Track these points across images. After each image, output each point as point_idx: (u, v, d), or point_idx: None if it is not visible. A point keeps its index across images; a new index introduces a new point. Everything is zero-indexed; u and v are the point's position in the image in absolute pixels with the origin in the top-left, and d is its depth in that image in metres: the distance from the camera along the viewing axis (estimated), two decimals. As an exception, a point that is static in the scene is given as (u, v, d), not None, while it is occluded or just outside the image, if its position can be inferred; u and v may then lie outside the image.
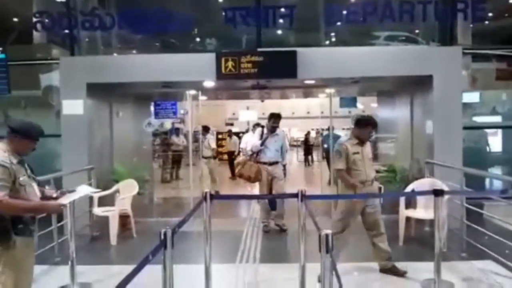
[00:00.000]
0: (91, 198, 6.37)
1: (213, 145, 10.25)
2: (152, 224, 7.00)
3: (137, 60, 7.04)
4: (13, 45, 8.66)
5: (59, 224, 5.27)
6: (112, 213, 6.12)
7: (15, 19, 10.11)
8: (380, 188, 4.96)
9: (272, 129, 6.55)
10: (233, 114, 21.81)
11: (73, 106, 6.61)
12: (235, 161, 7.15)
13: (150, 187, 8.58)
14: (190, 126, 8.62)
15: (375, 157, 10.70)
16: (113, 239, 6.01)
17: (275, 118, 6.58)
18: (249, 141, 8.24)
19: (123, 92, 7.80)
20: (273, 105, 18.89)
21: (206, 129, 10.16)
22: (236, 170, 6.68)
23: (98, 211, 6.29)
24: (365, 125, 4.53)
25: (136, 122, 8.72)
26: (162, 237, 2.58)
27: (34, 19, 7.13)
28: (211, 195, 4.06)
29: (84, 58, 7.05)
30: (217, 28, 7.92)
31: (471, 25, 7.66)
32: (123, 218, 6.42)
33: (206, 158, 9.81)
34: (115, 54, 8.18)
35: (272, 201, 6.55)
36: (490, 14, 7.92)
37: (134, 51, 8.96)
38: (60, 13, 7.10)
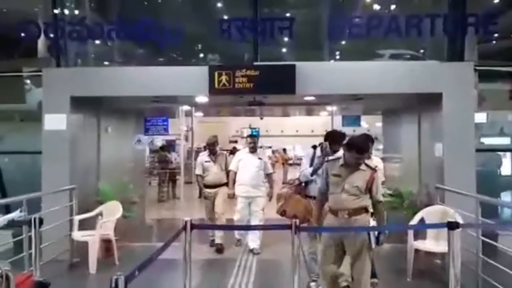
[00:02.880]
0: (71, 221, 5.91)
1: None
2: (138, 249, 6.47)
3: (125, 72, 6.59)
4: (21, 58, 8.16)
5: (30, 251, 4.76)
6: (91, 238, 5.61)
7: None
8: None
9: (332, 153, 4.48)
10: (237, 131, 21.40)
11: (56, 121, 6.15)
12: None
13: (140, 208, 8.06)
14: (182, 143, 8.16)
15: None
16: (92, 267, 5.50)
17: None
18: (243, 160, 6.51)
19: (112, 107, 7.35)
20: (276, 122, 18.48)
21: (213, 146, 6.63)
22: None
23: (77, 235, 5.79)
24: (347, 148, 3.74)
25: (128, 139, 8.26)
26: (113, 285, 2.07)
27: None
28: (191, 224, 3.55)
29: (68, 70, 6.59)
30: (220, 43, 7.45)
31: (477, 45, 7.22)
32: (106, 243, 5.92)
33: (215, 187, 6.51)
34: (117, 67, 7.71)
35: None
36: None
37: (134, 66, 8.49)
38: (46, 23, 6.72)
